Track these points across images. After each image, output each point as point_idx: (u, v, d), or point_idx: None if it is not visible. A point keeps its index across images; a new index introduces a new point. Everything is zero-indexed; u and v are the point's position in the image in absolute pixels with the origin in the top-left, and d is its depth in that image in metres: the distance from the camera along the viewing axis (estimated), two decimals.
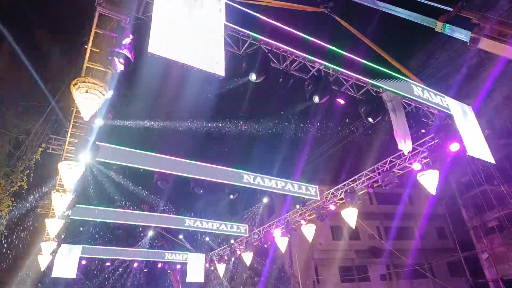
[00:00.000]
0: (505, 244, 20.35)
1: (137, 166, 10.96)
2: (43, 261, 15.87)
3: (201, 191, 13.06)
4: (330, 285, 25.43)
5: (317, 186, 16.31)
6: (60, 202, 11.38)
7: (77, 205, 14.49)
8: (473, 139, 10.46)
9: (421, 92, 9.80)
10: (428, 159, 11.73)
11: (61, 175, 9.84)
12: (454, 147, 10.66)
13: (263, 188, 13.68)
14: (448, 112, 10.14)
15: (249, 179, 13.25)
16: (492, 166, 12.07)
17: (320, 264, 26.16)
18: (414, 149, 11.78)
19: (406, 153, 10.41)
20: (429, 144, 11.72)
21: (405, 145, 8.78)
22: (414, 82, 9.80)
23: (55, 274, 17.52)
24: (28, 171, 10.64)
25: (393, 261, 26.38)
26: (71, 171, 9.73)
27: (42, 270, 16.23)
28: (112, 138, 10.89)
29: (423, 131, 10.36)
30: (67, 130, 9.95)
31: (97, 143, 9.81)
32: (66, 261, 17.75)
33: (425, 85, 10.10)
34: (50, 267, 17.35)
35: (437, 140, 11.23)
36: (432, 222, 25.99)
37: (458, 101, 10.69)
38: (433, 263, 25.28)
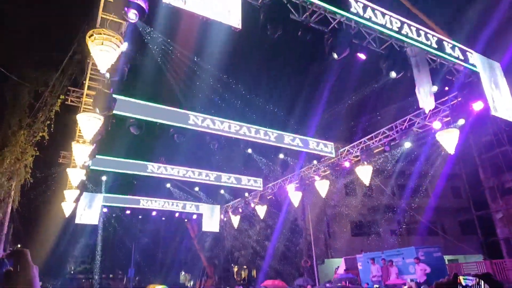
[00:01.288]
0: None
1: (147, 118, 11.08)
2: (67, 208, 16.73)
3: (216, 146, 13.24)
4: (341, 239, 26.24)
5: (332, 143, 16.29)
6: (80, 153, 11.74)
7: (97, 156, 14.98)
8: (499, 98, 10.05)
9: (447, 47, 9.32)
10: (449, 118, 11.42)
11: (80, 126, 10.05)
12: (477, 106, 10.32)
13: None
14: (474, 69, 9.68)
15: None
16: None
17: (332, 219, 26.85)
18: (435, 107, 11.43)
19: (427, 111, 10.12)
20: (451, 103, 11.36)
21: (426, 103, 8.52)
22: (441, 37, 9.30)
23: (79, 220, 18.56)
24: (48, 122, 10.90)
25: (405, 218, 26.81)
26: (89, 122, 9.92)
27: (67, 216, 17.16)
28: (129, 91, 10.94)
29: (446, 88, 9.97)
30: (84, 82, 10.01)
31: (114, 96, 9.88)
32: (89, 209, 18.70)
33: (452, 39, 9.58)
34: (73, 214, 18.35)
35: (460, 99, 10.86)
36: (448, 182, 25.93)
37: (486, 57, 10.15)
38: (445, 221, 25.57)
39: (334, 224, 26.86)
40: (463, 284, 1.82)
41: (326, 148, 15.99)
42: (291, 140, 14.71)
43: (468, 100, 10.42)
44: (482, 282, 1.85)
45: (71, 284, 36.80)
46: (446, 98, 11.48)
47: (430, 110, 9.92)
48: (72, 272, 34.94)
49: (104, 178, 18.07)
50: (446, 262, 17.57)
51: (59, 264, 33.65)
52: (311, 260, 22.63)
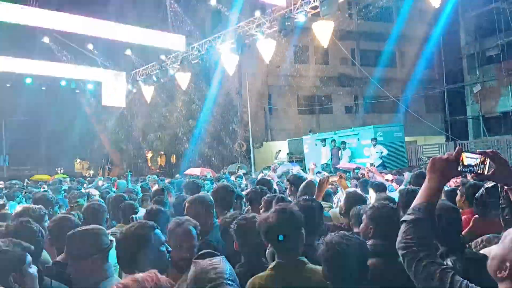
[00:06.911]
0: (500, 78, 21.81)
1: None
2: None
3: None
4: (284, 116, 27.27)
5: None
6: None
7: None
8: None
9: None
10: None
11: None
12: None
13: None
14: None
15: None
16: None
17: (276, 92, 27.38)
18: None
19: None
20: None
21: None
22: None
23: None
24: None
25: (363, 92, 28.17)
26: None
27: None
28: None
29: None
30: None
31: None
32: None
33: None
34: None
35: None
36: (420, 47, 26.82)
37: None
38: (409, 95, 27.29)
39: (278, 99, 27.51)
40: (465, 163, 1.91)
41: None
42: None
43: None
44: (488, 161, 1.91)
45: None
46: None
47: None
48: None
49: None
50: None
51: None
52: (247, 143, 23.53)
